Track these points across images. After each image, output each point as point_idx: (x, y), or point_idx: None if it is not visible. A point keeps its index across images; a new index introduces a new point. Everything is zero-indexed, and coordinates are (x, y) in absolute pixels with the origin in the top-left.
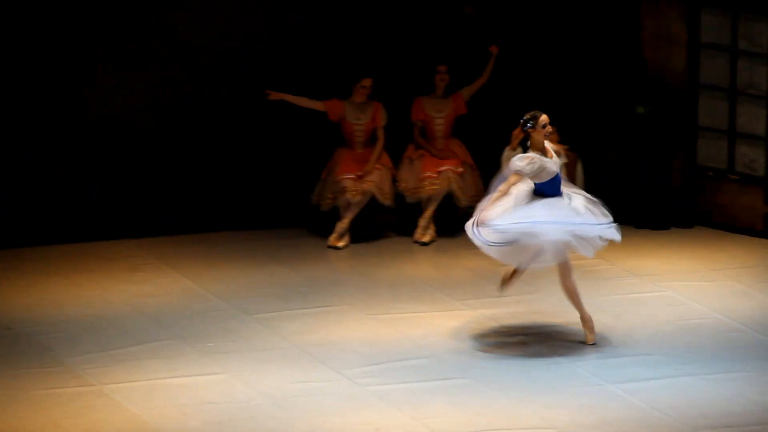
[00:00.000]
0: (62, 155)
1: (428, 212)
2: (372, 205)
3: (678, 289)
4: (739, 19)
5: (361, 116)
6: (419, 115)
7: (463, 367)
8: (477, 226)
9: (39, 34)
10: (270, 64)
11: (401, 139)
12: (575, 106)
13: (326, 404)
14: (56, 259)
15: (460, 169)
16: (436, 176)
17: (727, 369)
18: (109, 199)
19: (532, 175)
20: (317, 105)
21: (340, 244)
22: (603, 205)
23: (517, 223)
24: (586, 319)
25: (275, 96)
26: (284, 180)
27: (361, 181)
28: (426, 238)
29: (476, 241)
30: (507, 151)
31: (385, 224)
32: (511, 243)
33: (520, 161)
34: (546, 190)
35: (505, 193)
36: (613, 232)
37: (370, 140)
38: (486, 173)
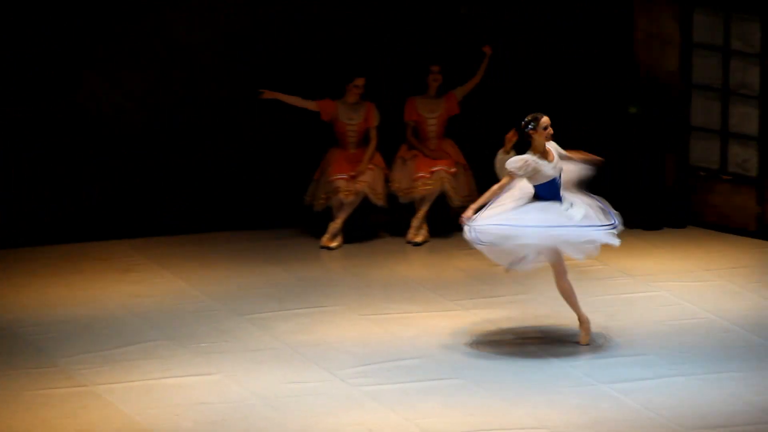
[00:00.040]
0: (62, 155)
1: (421, 212)
2: (365, 205)
3: (671, 289)
4: (732, 19)
5: (353, 116)
6: (412, 115)
7: (456, 368)
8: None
9: (39, 34)
10: (269, 64)
11: (394, 140)
12: (568, 105)
13: (319, 404)
14: (55, 259)
15: (453, 170)
16: (428, 176)
17: (720, 369)
18: (108, 199)
19: (527, 177)
20: (310, 104)
21: (333, 244)
22: (610, 210)
23: (497, 224)
24: (583, 321)
25: (268, 95)
26: (278, 180)
27: (353, 181)
28: (419, 239)
29: (467, 237)
30: (500, 155)
31: (378, 224)
32: (492, 244)
33: (514, 162)
34: (542, 192)
35: (496, 193)
36: (609, 237)
37: (363, 140)
38: (479, 173)
